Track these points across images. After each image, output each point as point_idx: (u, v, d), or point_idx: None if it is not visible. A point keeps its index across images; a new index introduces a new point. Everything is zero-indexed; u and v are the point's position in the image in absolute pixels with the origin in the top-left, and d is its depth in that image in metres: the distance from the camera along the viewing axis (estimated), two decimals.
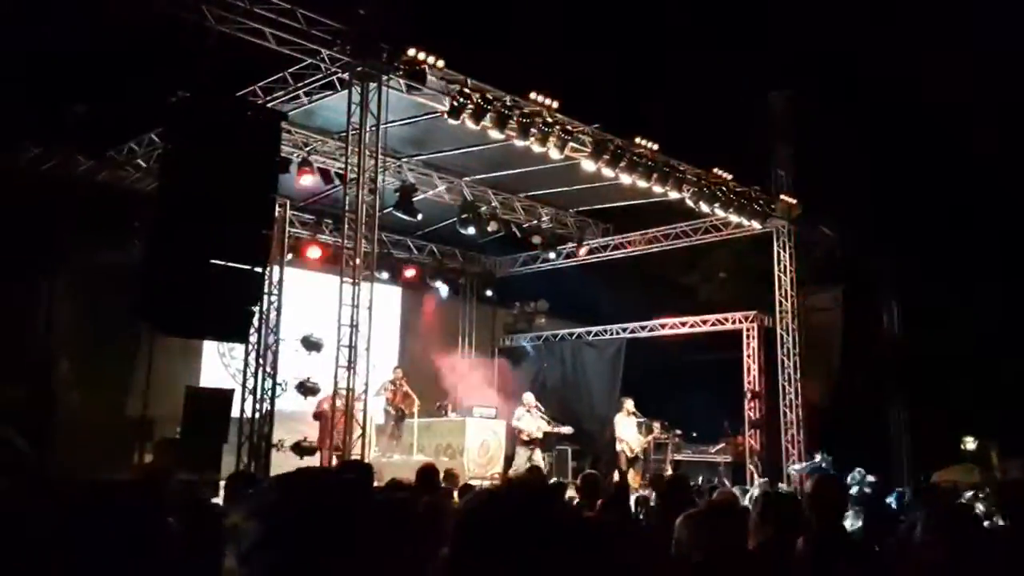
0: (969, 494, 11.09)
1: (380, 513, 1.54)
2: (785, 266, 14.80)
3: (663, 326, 16.93)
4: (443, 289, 17.35)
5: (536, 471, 10.46)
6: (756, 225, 14.26)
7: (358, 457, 9.80)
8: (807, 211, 14.68)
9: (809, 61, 16.44)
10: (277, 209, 10.63)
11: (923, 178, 17.26)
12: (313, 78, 10.44)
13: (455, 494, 7.49)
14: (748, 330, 15.58)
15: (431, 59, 10.07)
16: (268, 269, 10.74)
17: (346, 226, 10.20)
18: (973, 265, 16.53)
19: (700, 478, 13.94)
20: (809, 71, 15.79)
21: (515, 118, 10.81)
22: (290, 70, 10.39)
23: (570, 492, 8.22)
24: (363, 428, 10.10)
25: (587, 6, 16.71)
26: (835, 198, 15.49)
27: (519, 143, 11.21)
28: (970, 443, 17.39)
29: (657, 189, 12.72)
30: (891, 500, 10.57)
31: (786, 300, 14.78)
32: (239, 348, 12.13)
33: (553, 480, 11.12)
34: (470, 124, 10.56)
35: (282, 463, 11.41)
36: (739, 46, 16.93)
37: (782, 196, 14.43)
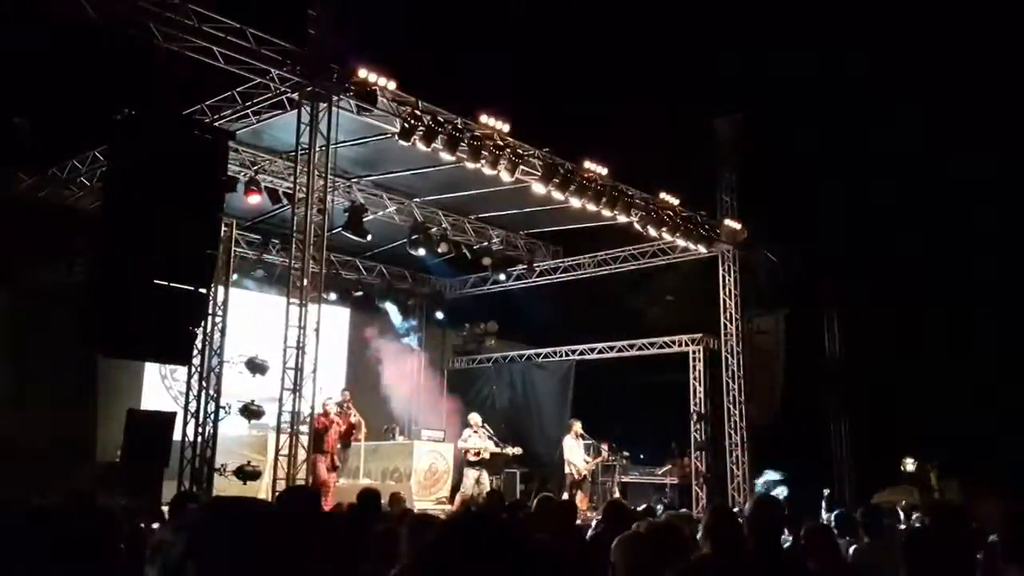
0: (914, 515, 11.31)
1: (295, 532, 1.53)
2: (730, 290, 15.06)
3: (611, 348, 17.06)
4: (393, 312, 17.30)
5: (495, 495, 10.39)
6: (702, 249, 14.50)
7: (302, 481, 9.68)
8: (751, 236, 15.00)
9: (753, 87, 16.83)
10: (223, 229, 10.49)
11: (865, 203, 17.73)
12: (262, 97, 10.36)
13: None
14: (694, 352, 15.77)
15: (382, 80, 10.09)
16: (213, 289, 10.57)
17: (294, 246, 10.11)
18: (915, 288, 16.98)
19: (653, 498, 14.05)
20: (753, 97, 16.15)
21: (466, 140, 10.88)
22: (239, 89, 10.29)
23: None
24: (308, 452, 9.98)
25: (537, 30, 16.91)
26: (778, 223, 15.84)
27: (470, 165, 11.27)
28: (910, 464, 17.79)
29: (606, 213, 12.88)
30: (829, 517, 10.68)
31: (731, 323, 15.03)
32: (182, 370, 11.90)
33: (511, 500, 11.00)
34: (421, 146, 10.59)
35: (225, 488, 11.20)
36: (686, 71, 17.27)
37: (727, 221, 14.72)
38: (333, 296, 15.09)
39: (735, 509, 11.66)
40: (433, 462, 14.11)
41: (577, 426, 14.23)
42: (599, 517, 6.03)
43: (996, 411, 15.53)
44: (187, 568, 1.33)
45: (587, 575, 4.56)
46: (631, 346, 16.77)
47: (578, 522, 6.99)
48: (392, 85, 10.21)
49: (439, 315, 18.33)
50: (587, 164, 12.41)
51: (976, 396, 16.12)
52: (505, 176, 11.51)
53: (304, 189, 10.07)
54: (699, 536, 4.19)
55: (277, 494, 8.45)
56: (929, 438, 16.43)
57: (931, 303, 16.78)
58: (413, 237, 14.01)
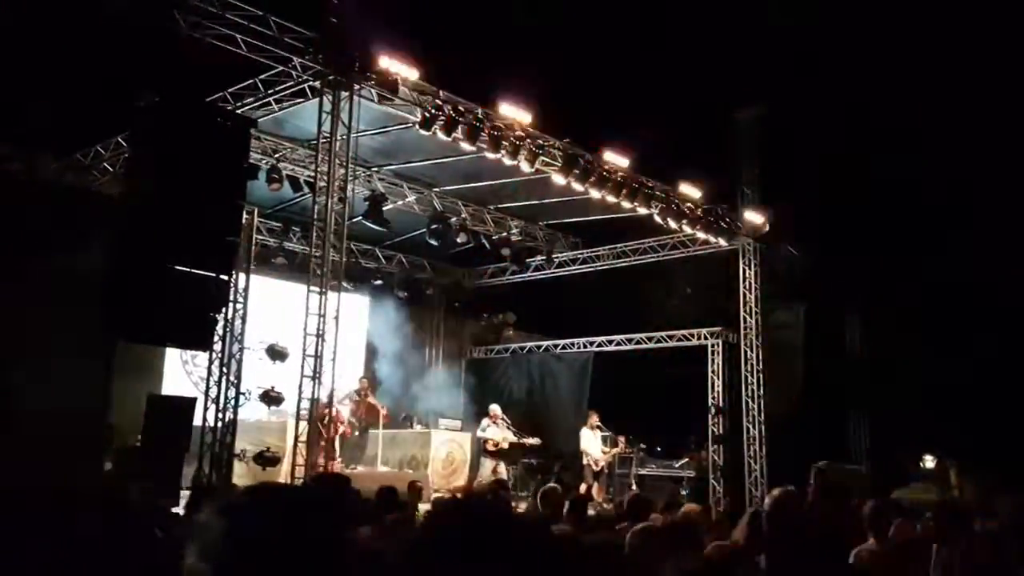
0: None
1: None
2: (750, 283, 14.97)
3: (630, 340, 17.02)
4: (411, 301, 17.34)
5: (500, 483, 10.43)
6: (722, 242, 14.42)
7: (321, 467, 9.75)
8: (772, 229, 14.88)
9: (776, 81, 16.69)
10: (244, 216, 10.55)
11: (886, 198, 17.57)
12: (284, 85, 10.39)
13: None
14: (713, 346, 15.70)
15: (404, 70, 10.09)
16: (234, 276, 10.63)
17: (314, 235, 10.16)
18: (934, 284, 16.84)
19: (670, 491, 14.04)
20: (776, 91, 16.03)
21: (486, 131, 10.86)
22: (261, 77, 10.33)
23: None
24: (327, 438, 10.05)
25: (560, 21, 16.84)
26: (800, 217, 15.71)
27: (490, 155, 11.25)
28: (929, 461, 17.67)
29: (626, 204, 12.82)
30: None
31: (750, 317, 14.95)
32: (202, 356, 11.99)
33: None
34: (441, 136, 10.58)
35: (244, 473, 11.29)
36: (709, 64, 17.15)
37: (748, 214, 14.62)
38: (352, 285, 15.14)
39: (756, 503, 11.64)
40: (451, 451, 14.15)
41: (594, 418, 14.24)
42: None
43: (1018, 408, 15.39)
44: (224, 549, 1.35)
45: (601, 566, 4.56)
46: (649, 338, 16.73)
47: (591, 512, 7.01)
48: (414, 74, 10.21)
49: (457, 305, 18.35)
50: (607, 155, 12.36)
51: (997, 393, 15.98)
52: (525, 167, 11.49)
53: (325, 178, 10.10)
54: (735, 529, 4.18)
55: (307, 479, 8.49)
56: (949, 435, 16.31)
57: (951, 299, 16.63)
58: (433, 227, 14.02)
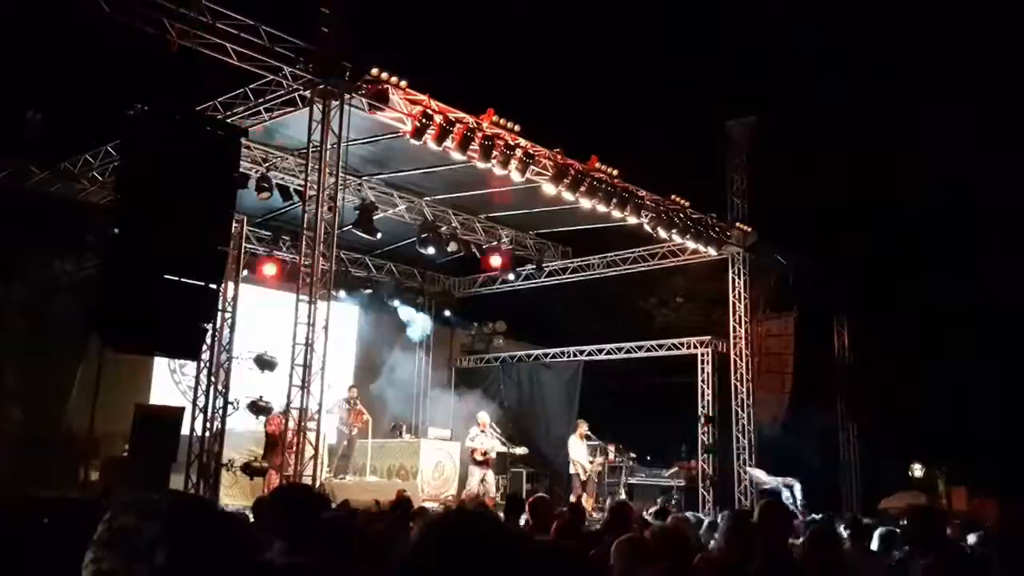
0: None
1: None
2: (740, 292, 15.02)
3: (620, 349, 17.03)
4: (402, 310, 17.23)
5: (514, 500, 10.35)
6: (712, 252, 14.46)
7: (309, 477, 9.70)
8: (761, 239, 14.94)
9: (766, 91, 16.79)
10: (234, 225, 10.51)
11: (874, 207, 17.68)
12: (274, 95, 10.37)
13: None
14: (703, 355, 15.73)
15: (394, 79, 10.10)
16: (223, 285, 10.60)
17: (304, 243, 10.14)
18: (924, 294, 16.93)
19: (660, 500, 14.05)
20: (766, 101, 16.11)
21: (477, 140, 10.87)
22: (251, 86, 10.32)
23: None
24: (315, 448, 10.00)
25: (552, 32, 16.91)
26: (788, 226, 15.79)
27: (481, 165, 11.26)
28: (918, 470, 17.72)
29: (616, 214, 12.84)
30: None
31: (740, 326, 14.99)
32: (191, 365, 11.93)
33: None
34: (432, 145, 10.59)
35: (232, 483, 11.24)
36: (699, 74, 17.24)
37: (737, 224, 14.67)
38: (342, 293, 15.11)
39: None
40: (440, 460, 14.11)
41: (583, 427, 14.23)
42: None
43: (1005, 416, 15.47)
44: (157, 554, 1.38)
45: None
46: (639, 347, 16.75)
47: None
48: (404, 84, 10.22)
49: (448, 313, 18.34)
50: (598, 165, 12.39)
51: (985, 402, 16.06)
52: (516, 176, 11.50)
53: (315, 187, 10.09)
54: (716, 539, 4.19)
55: (271, 491, 8.43)
56: (938, 444, 16.37)
57: (941, 307, 16.71)
58: (423, 236, 14.01)
